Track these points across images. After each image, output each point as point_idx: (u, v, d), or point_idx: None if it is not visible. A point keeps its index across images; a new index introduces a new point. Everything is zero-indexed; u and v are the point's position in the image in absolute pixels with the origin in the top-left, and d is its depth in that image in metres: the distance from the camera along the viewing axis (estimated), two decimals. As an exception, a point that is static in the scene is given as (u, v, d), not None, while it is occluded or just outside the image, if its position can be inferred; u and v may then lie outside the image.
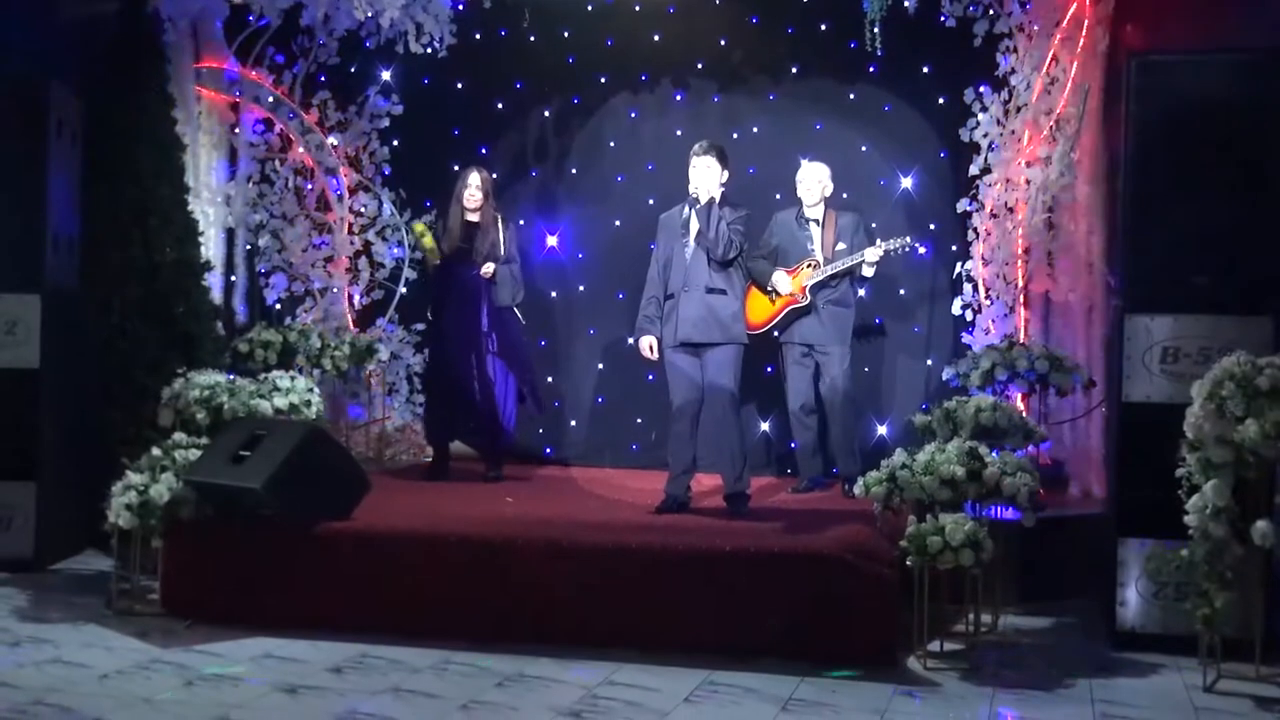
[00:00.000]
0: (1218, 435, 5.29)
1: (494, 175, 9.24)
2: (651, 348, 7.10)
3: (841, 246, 7.84)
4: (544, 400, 8.54)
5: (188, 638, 5.91)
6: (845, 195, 8.44)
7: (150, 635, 5.93)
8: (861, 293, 8.37)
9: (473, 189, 8.09)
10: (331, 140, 9.52)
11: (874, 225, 8.34)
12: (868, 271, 7.84)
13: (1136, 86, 6.15)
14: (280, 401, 7.26)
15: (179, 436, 6.74)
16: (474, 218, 8.11)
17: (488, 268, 7.98)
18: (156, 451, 6.53)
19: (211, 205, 9.31)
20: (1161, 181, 6.08)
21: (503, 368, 8.08)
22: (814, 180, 7.97)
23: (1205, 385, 5.33)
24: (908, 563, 5.67)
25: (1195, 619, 5.42)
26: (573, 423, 9.27)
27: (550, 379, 9.29)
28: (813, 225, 7.97)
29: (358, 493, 6.39)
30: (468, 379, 7.99)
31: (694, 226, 6.98)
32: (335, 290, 9.52)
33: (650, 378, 7.18)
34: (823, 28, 8.73)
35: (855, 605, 5.67)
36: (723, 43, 9.05)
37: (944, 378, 7.79)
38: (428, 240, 8.05)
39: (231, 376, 7.52)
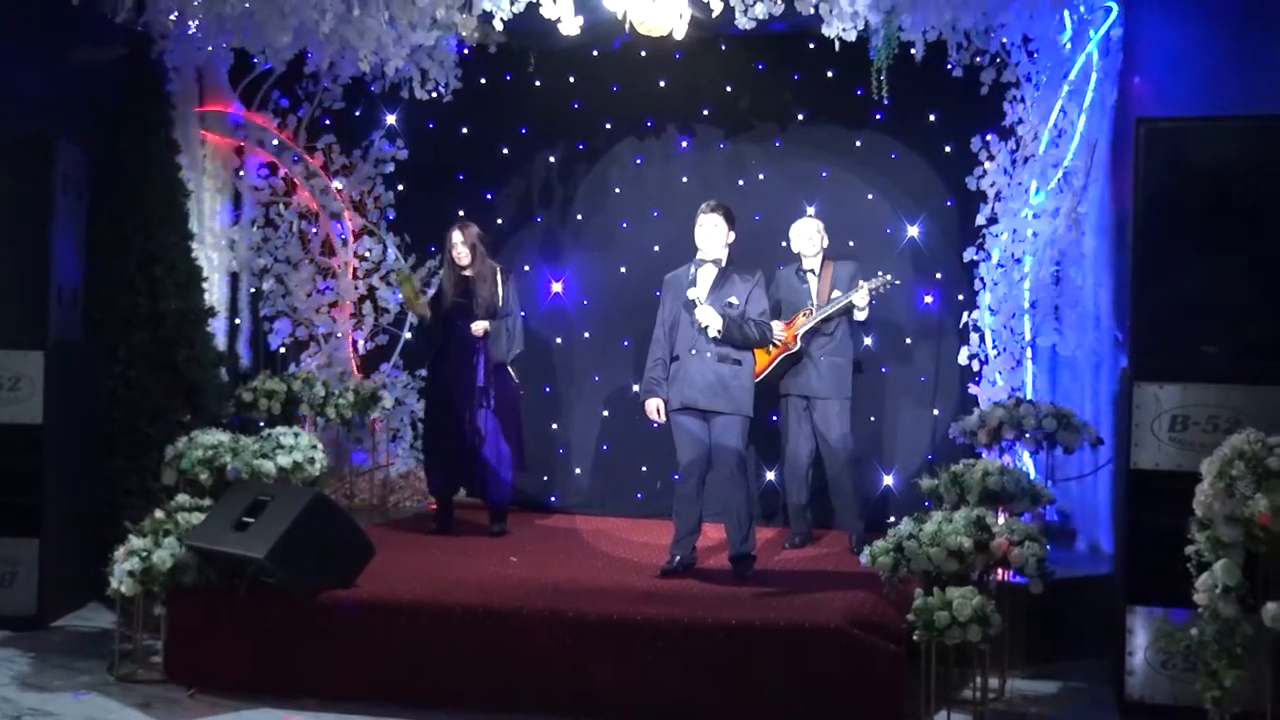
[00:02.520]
0: (1227, 514, 5.23)
1: (499, 220, 9.33)
2: (659, 410, 7.07)
3: (837, 294, 7.82)
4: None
5: (191, 709, 5.89)
6: (851, 243, 8.43)
7: (153, 707, 5.91)
8: (868, 341, 8.34)
9: (459, 247, 8.07)
10: (336, 184, 9.51)
11: (880, 272, 8.31)
12: (859, 316, 7.82)
13: (1146, 152, 6.13)
14: (284, 460, 7.22)
15: (182, 498, 6.73)
16: (467, 273, 8.09)
17: (478, 326, 7.94)
18: (159, 514, 6.52)
19: (216, 250, 9.30)
20: (1170, 248, 6.07)
21: (498, 424, 8.03)
22: (808, 234, 7.98)
23: (1215, 464, 5.28)
24: (915, 637, 5.64)
25: (1205, 699, 5.38)
26: (577, 470, 9.23)
27: (555, 426, 9.27)
28: (810, 277, 7.97)
29: (361, 559, 6.35)
30: (464, 433, 7.95)
31: (703, 287, 6.95)
32: (339, 335, 9.49)
33: (655, 426, 7.15)
34: (829, 75, 8.69)
35: (861, 680, 5.65)
36: (729, 89, 9.03)
37: (950, 435, 7.74)
38: (406, 288, 8.04)
39: (237, 424, 7.48)
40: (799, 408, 7.91)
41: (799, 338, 7.81)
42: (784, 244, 8.50)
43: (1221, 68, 7.25)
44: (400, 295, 8.20)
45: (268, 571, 6.02)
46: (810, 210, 8.59)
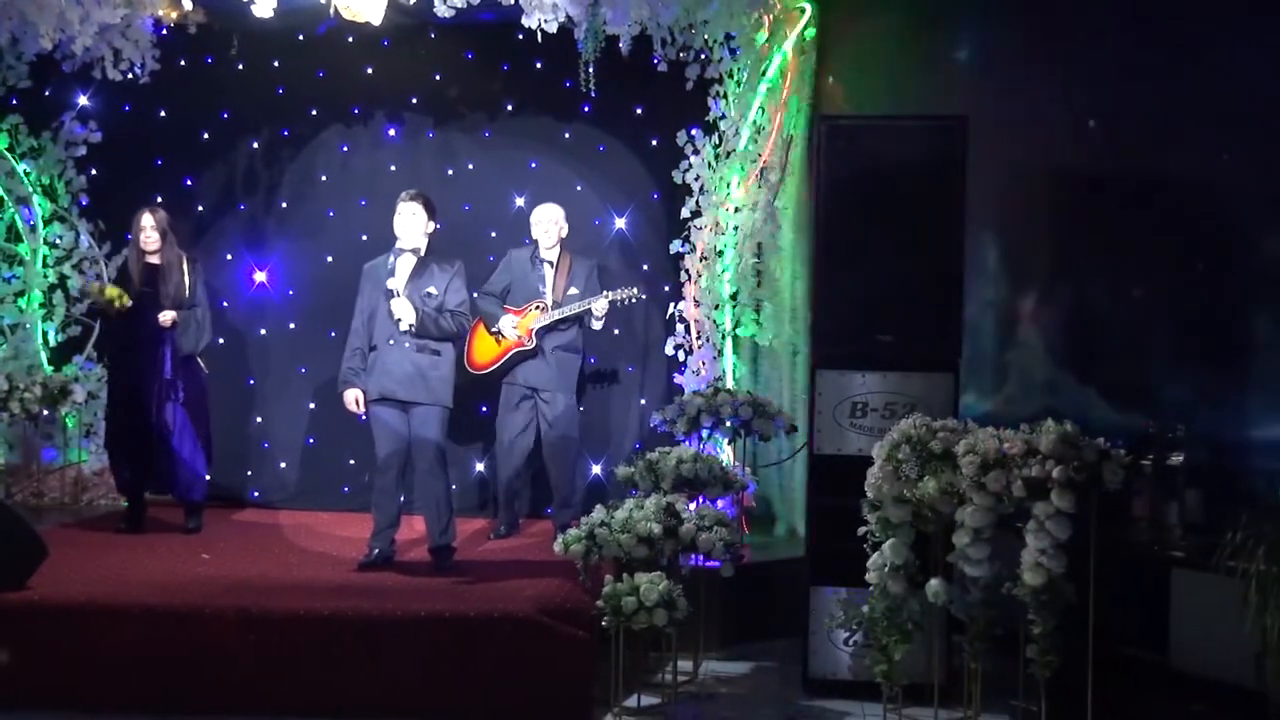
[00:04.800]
0: (895, 495, 5.49)
1: (200, 207, 9.02)
2: (358, 401, 6.96)
3: (574, 291, 7.84)
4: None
5: None
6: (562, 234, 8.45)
7: None
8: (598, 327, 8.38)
9: (148, 230, 7.73)
10: (23, 168, 9.00)
11: (604, 266, 8.39)
12: (596, 325, 7.87)
13: (826, 148, 6.34)
14: (-47, 457, 6.81)
15: None
16: (154, 260, 7.76)
17: (166, 316, 7.62)
18: None
19: (-115, 236, 8.74)
20: (849, 241, 6.29)
21: (187, 417, 7.75)
22: (550, 221, 7.94)
23: (884, 448, 5.53)
24: (604, 623, 5.70)
25: (875, 673, 5.63)
26: (282, 464, 8.98)
27: (259, 419, 9.00)
28: (546, 267, 7.94)
29: (33, 559, 6.04)
30: (150, 428, 7.63)
31: (401, 277, 6.86)
32: (27, 326, 9.00)
33: (363, 419, 7.03)
34: (538, 65, 8.67)
35: (552, 666, 5.71)
36: (437, 78, 8.92)
37: (651, 424, 7.86)
38: (110, 290, 7.64)
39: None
40: (519, 397, 7.88)
41: (534, 334, 7.78)
42: (493, 234, 8.52)
43: (901, 70, 7.58)
44: (102, 302, 7.71)
45: (-75, 575, 5.67)
46: (520, 201, 8.59)
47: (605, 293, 7.80)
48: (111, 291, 7.60)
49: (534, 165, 8.85)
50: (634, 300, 7.87)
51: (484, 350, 7.90)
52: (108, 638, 5.74)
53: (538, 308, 7.83)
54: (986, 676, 5.61)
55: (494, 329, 7.86)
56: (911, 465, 5.44)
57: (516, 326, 7.79)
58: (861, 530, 5.64)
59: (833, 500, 6.13)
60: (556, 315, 7.79)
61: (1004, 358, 7.38)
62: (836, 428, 6.27)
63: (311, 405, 8.96)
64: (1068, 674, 5.28)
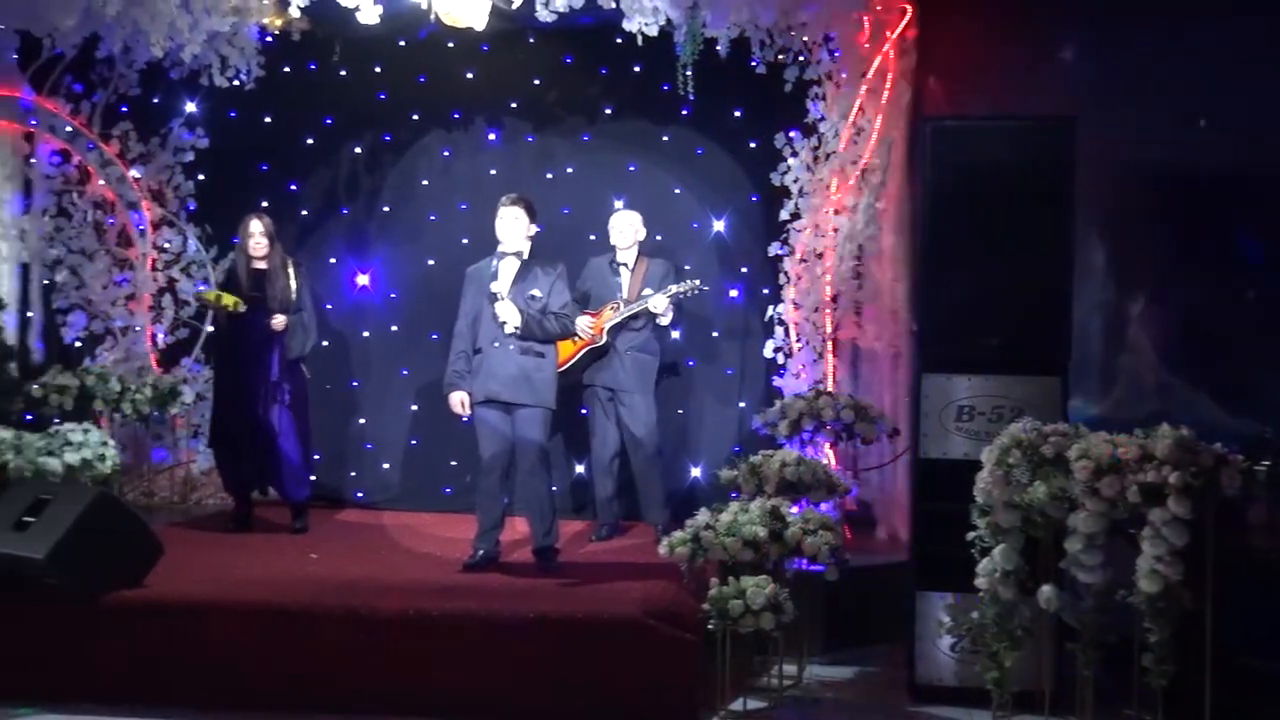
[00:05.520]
0: (1006, 500, 5.43)
1: (304, 212, 9.16)
2: (463, 403, 7.02)
3: (648, 292, 7.87)
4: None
5: (-34, 717, 5.66)
6: (659, 238, 8.45)
7: (-75, 715, 5.66)
8: (676, 334, 8.39)
9: (256, 236, 7.86)
10: (133, 173, 9.20)
11: (687, 268, 8.41)
12: (663, 321, 7.88)
13: (930, 150, 6.29)
14: (71, 457, 6.99)
15: (-41, 498, 6.44)
16: (261, 265, 7.89)
17: (278, 321, 7.76)
18: (-66, 515, 6.23)
19: (5, 240, 9.00)
20: (954, 243, 6.22)
21: (292, 419, 7.86)
22: (626, 226, 8.00)
23: (993, 452, 5.48)
24: (710, 626, 5.70)
25: (986, 680, 5.57)
26: (385, 465, 9.09)
27: (362, 421, 9.13)
28: (623, 270, 8.00)
29: (149, 558, 6.17)
30: (257, 430, 7.76)
31: (505, 280, 6.92)
32: (137, 329, 9.20)
33: (466, 420, 7.11)
34: (636, 69, 8.71)
35: (657, 668, 5.70)
36: (537, 82, 8.99)
37: (752, 427, 7.85)
38: (226, 298, 7.75)
39: (30, 419, 7.18)
40: (604, 400, 7.94)
41: (605, 331, 7.84)
42: (592, 237, 8.53)
43: (1006, 70, 7.50)
44: (217, 308, 7.84)
45: (48, 572, 5.80)
46: (619, 204, 8.63)
47: (668, 287, 7.83)
48: (228, 299, 7.74)
49: (633, 168, 8.89)
50: (695, 292, 7.89)
51: (560, 350, 7.95)
52: (222, 635, 5.84)
53: (612, 308, 7.88)
54: (1099, 685, 5.53)
55: (573, 332, 7.92)
56: (1022, 470, 5.38)
57: (591, 326, 7.84)
58: (970, 535, 5.58)
59: (938, 504, 6.08)
60: (626, 312, 7.82)
61: (1112, 361, 7.28)
62: (942, 431, 6.22)
63: (414, 407, 9.07)
64: (1183, 683, 5.20)
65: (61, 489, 6.27)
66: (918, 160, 6.51)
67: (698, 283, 7.88)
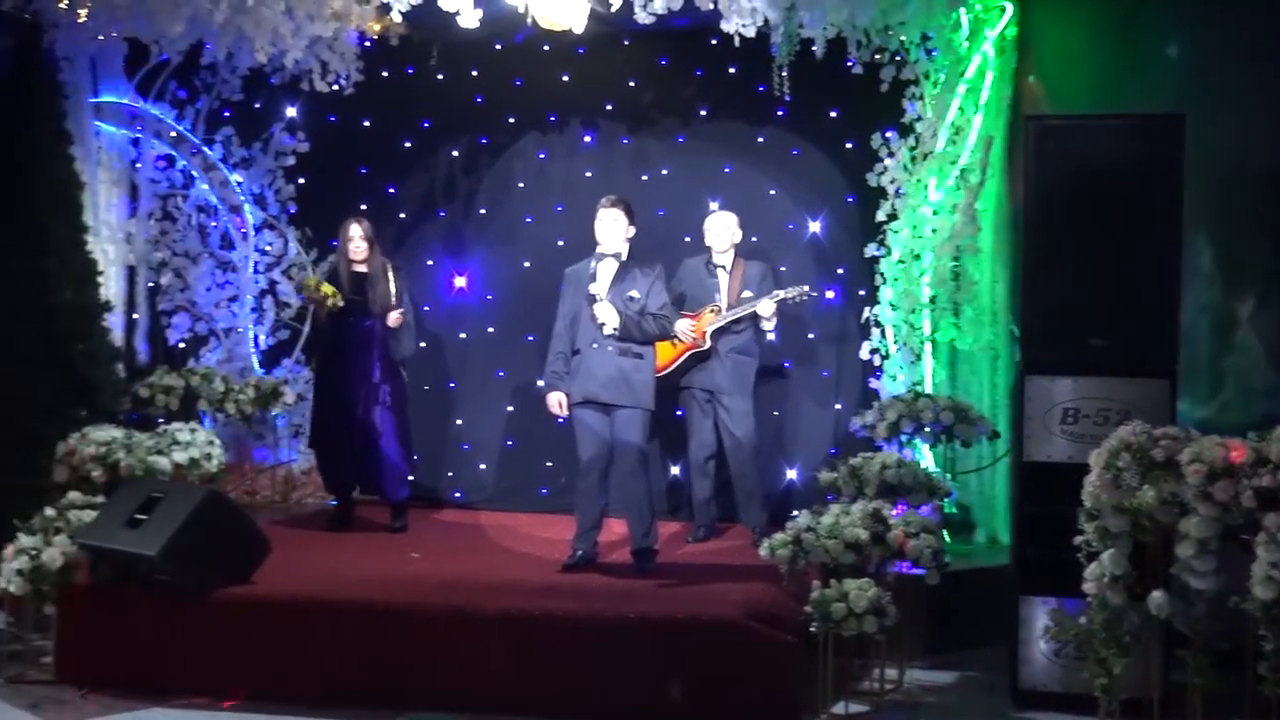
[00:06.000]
0: (1115, 504, 5.34)
1: (402, 215, 9.27)
2: (561, 404, 7.06)
3: (747, 294, 7.86)
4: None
5: (82, 709, 5.78)
6: (754, 239, 8.42)
7: (43, 708, 5.80)
8: (772, 336, 8.37)
9: (356, 239, 7.97)
10: (235, 177, 9.37)
11: (783, 269, 8.39)
12: (766, 325, 7.86)
13: (1034, 149, 6.21)
14: (180, 456, 7.12)
15: (74, 496, 6.60)
16: (362, 268, 7.99)
17: (394, 316, 7.86)
18: (50, 512, 6.39)
19: (112, 243, 9.17)
20: (1058, 243, 6.14)
21: (393, 420, 7.95)
22: (722, 228, 7.99)
23: (1102, 455, 5.38)
24: (812, 629, 5.69)
25: (1094, 686, 5.49)
26: (481, 466, 9.17)
27: (459, 421, 9.21)
28: (720, 272, 7.99)
29: (257, 556, 6.28)
30: (357, 430, 7.85)
31: (604, 281, 6.95)
32: (240, 330, 9.37)
33: (561, 421, 7.16)
34: (731, 71, 8.71)
35: (759, 671, 5.70)
36: (632, 84, 9.02)
37: (850, 429, 7.81)
38: (326, 287, 7.86)
39: (136, 419, 7.33)
40: (702, 401, 7.94)
41: (708, 335, 7.83)
42: (687, 239, 8.53)
43: (1109, 67, 7.39)
44: (318, 298, 7.93)
45: (160, 569, 5.93)
46: (715, 205, 8.62)
47: (775, 292, 7.80)
48: (327, 288, 7.84)
49: (728, 170, 8.88)
50: (804, 298, 7.86)
51: (661, 353, 7.94)
52: (327, 633, 5.95)
53: (712, 310, 7.87)
54: (1210, 694, 5.41)
55: (672, 333, 7.92)
56: (1132, 474, 5.29)
57: (692, 329, 7.83)
58: (1078, 540, 5.50)
59: (1041, 508, 6.02)
60: (730, 316, 7.81)
61: (1220, 363, 7.13)
62: (1046, 434, 6.14)
63: (510, 408, 9.14)
64: (1299, 692, 5.08)
65: (172, 488, 6.40)
66: (1020, 159, 6.42)
67: (806, 288, 7.85)
